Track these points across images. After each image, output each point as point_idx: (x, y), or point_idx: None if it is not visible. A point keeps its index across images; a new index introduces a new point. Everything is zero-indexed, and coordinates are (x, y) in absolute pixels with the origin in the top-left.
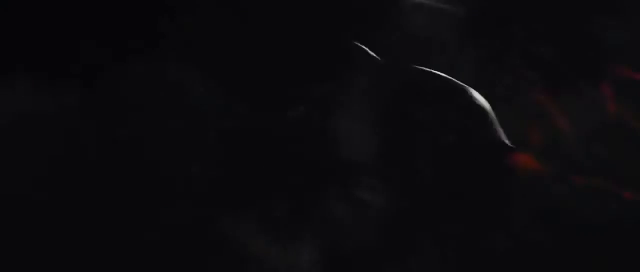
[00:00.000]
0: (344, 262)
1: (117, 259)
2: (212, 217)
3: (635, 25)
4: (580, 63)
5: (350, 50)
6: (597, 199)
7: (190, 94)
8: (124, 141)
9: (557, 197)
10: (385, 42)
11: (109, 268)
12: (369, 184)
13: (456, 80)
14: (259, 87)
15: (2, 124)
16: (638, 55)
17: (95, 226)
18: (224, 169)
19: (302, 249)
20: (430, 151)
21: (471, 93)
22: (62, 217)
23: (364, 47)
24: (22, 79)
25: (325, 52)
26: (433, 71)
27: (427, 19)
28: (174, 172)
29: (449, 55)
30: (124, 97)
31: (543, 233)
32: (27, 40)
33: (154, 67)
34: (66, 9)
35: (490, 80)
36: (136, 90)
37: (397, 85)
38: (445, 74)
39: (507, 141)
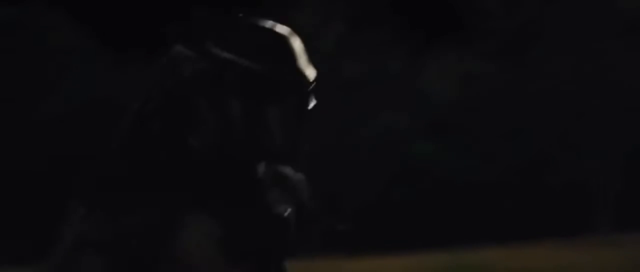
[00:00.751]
0: None
1: None
2: None
3: None
4: (445, 28)
5: None
6: (457, 158)
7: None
8: None
9: (419, 156)
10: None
11: None
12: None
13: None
14: None
15: None
16: (504, 17)
17: None
18: None
19: None
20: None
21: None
22: None
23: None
24: None
25: None
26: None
27: None
28: None
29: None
30: None
31: (409, 189)
32: None
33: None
34: None
35: (354, 45)
36: None
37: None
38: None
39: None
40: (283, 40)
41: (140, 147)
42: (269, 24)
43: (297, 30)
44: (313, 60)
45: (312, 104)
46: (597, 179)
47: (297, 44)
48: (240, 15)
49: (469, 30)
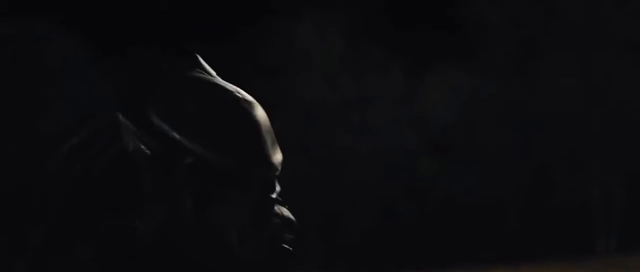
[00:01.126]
0: None
1: None
2: None
3: (503, 5)
4: (447, 45)
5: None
6: (464, 177)
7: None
8: None
9: (426, 174)
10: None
11: None
12: None
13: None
14: None
15: None
16: (506, 35)
17: None
18: None
19: None
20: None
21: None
22: None
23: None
24: None
25: None
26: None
27: None
28: None
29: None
30: None
31: (411, 207)
32: None
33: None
34: None
35: (356, 65)
36: None
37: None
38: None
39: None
40: (246, 117)
41: (80, 219)
42: (228, 89)
43: (297, 47)
44: (314, 78)
45: (276, 192)
46: (600, 198)
47: (262, 117)
48: (192, 58)
49: (472, 46)
